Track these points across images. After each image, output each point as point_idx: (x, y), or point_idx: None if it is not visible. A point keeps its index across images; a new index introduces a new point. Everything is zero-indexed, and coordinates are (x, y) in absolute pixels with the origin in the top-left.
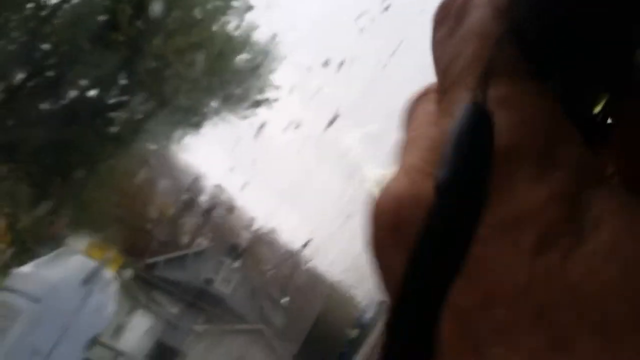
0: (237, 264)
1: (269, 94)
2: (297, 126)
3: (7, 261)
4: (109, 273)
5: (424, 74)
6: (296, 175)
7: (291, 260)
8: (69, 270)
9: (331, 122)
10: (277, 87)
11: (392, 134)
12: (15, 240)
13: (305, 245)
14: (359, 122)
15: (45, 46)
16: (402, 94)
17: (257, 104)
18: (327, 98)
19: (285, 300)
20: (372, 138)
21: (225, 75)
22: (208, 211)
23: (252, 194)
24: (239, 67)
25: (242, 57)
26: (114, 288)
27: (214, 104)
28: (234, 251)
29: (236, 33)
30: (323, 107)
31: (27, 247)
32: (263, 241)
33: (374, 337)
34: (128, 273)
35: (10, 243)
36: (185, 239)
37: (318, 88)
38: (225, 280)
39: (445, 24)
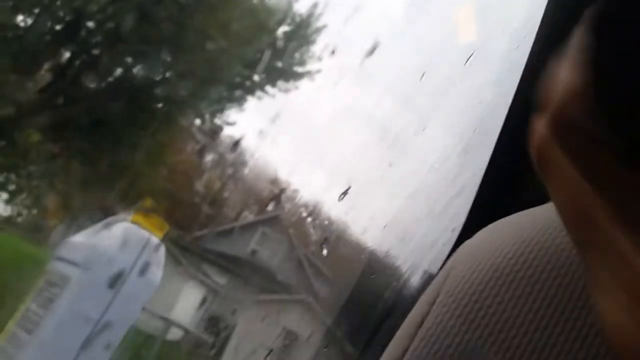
0: (282, 237)
1: (311, 65)
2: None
3: (59, 237)
4: (156, 240)
5: None
6: (343, 150)
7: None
8: (118, 238)
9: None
10: (319, 59)
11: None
12: (67, 216)
13: (344, 194)
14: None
15: (90, 24)
16: None
17: (300, 76)
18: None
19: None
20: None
21: (267, 48)
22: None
23: (298, 168)
24: (281, 40)
25: (283, 29)
26: (162, 254)
27: (256, 77)
28: (279, 224)
29: (277, 4)
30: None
31: (78, 223)
32: (306, 211)
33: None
34: (177, 245)
35: (62, 219)
36: (231, 212)
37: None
38: (271, 252)
39: None
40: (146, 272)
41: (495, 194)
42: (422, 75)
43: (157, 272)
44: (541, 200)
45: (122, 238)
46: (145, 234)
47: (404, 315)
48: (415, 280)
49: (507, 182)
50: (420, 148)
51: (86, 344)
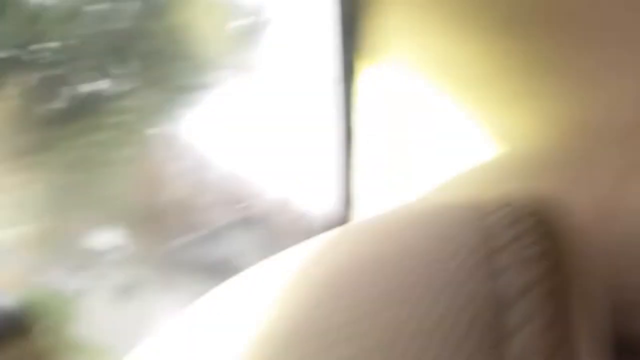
0: (256, 238)
1: (264, 58)
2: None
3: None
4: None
5: None
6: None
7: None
8: None
9: None
10: (274, 50)
11: None
12: (37, 245)
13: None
14: None
15: (53, 44)
16: None
17: (253, 70)
18: None
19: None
20: None
21: (219, 46)
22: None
23: (261, 161)
24: (232, 36)
25: (237, 25)
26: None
27: (212, 77)
28: (253, 225)
29: (228, 2)
30: None
31: (51, 251)
32: (279, 208)
33: None
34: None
35: (33, 250)
36: (204, 217)
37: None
38: (247, 254)
39: None
40: None
41: None
42: None
43: None
44: None
45: None
46: None
47: None
48: None
49: None
50: None
51: None
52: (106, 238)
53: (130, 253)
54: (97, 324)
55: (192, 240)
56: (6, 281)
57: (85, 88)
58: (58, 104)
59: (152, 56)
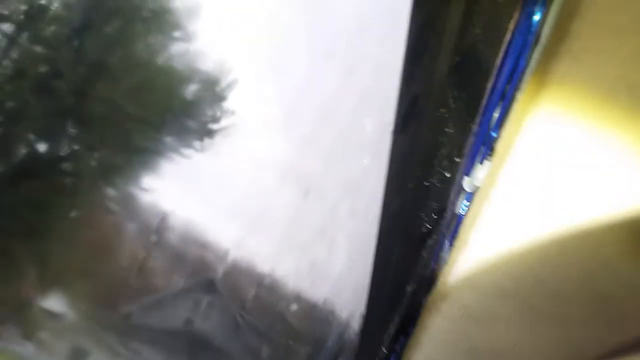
0: (215, 299)
1: (225, 121)
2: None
3: None
4: None
5: None
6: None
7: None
8: None
9: None
10: (232, 113)
11: None
12: None
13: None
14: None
15: None
16: None
17: (213, 133)
18: None
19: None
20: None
21: (176, 109)
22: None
23: (223, 226)
24: (189, 99)
25: (191, 89)
26: None
27: (169, 140)
28: (211, 286)
29: (182, 65)
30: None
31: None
32: (239, 271)
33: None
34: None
35: None
36: (160, 282)
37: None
38: (205, 318)
39: None
40: None
41: None
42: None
43: None
44: None
45: None
46: None
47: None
48: (355, 325)
49: None
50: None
51: None
52: (54, 304)
53: (81, 318)
54: None
55: (148, 304)
56: None
57: (30, 150)
58: (8, 164)
59: (104, 118)
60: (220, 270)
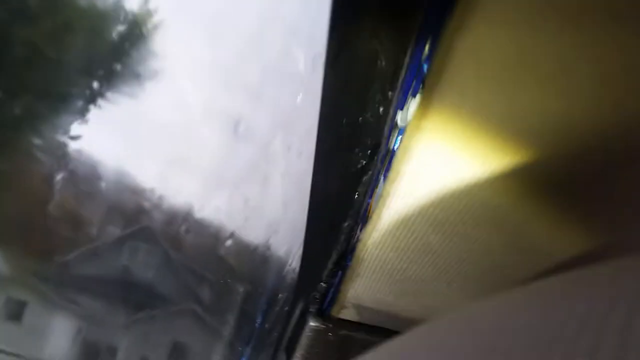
0: (151, 246)
1: (152, 64)
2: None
3: None
4: None
5: None
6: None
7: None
8: None
9: None
10: (160, 55)
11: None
12: None
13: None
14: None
15: None
16: None
17: (142, 77)
18: None
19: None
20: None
21: (101, 52)
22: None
23: (158, 173)
24: (115, 41)
25: (117, 30)
26: None
27: (95, 85)
28: (148, 233)
29: (106, 5)
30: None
31: None
32: (175, 218)
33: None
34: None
35: None
36: (95, 231)
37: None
38: (144, 265)
39: None
40: None
41: None
42: None
43: None
44: None
45: None
46: None
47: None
48: (293, 262)
49: None
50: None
51: None
52: None
53: (15, 270)
54: None
55: (84, 254)
56: None
57: None
58: None
59: (25, 63)
60: (155, 216)
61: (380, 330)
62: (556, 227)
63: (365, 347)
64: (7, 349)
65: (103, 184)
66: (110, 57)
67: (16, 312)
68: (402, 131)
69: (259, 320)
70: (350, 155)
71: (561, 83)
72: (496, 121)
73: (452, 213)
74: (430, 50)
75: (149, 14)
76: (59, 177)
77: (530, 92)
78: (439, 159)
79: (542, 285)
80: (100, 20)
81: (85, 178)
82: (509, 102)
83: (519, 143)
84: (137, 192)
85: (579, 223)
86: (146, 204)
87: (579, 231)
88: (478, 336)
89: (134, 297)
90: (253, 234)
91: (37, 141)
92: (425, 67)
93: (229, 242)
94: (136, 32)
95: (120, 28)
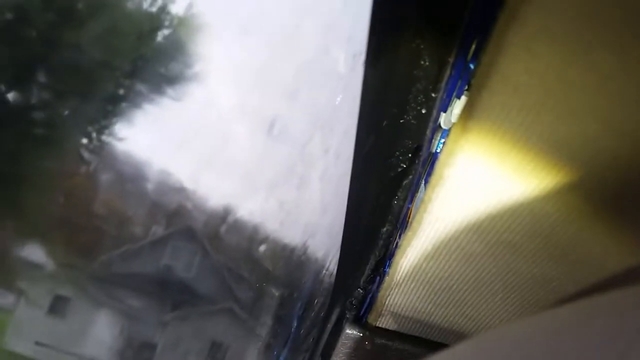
0: (195, 247)
1: (197, 67)
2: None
3: None
4: None
5: None
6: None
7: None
8: None
9: None
10: (204, 58)
11: None
12: None
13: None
14: None
15: None
16: None
17: (186, 79)
18: None
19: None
20: None
21: (147, 55)
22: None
23: (199, 174)
24: (160, 45)
25: (162, 34)
26: None
27: (140, 87)
28: (190, 234)
29: (152, 9)
30: None
31: None
32: (214, 218)
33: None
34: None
35: None
36: (138, 230)
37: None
38: (186, 265)
39: None
40: None
41: None
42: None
43: None
44: None
45: None
46: None
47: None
48: (330, 267)
49: None
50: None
51: None
52: (33, 254)
53: (60, 267)
54: (29, 338)
55: (127, 253)
56: None
57: (5, 97)
58: None
59: (73, 66)
60: (198, 217)
61: (418, 340)
62: (607, 240)
63: (403, 356)
64: (50, 343)
65: (147, 184)
66: (156, 60)
67: (60, 308)
68: (445, 134)
69: (294, 324)
70: (390, 158)
71: (621, 83)
72: (550, 122)
73: (498, 221)
74: (477, 47)
75: (193, 17)
76: (105, 177)
77: (587, 90)
78: (484, 164)
79: (589, 304)
80: (147, 23)
81: (129, 178)
82: (564, 101)
83: (574, 145)
84: (179, 192)
85: (631, 237)
86: (188, 204)
87: (631, 246)
88: None
89: (175, 295)
90: (289, 237)
91: (84, 141)
92: (471, 66)
93: (263, 245)
94: (181, 36)
95: (166, 32)
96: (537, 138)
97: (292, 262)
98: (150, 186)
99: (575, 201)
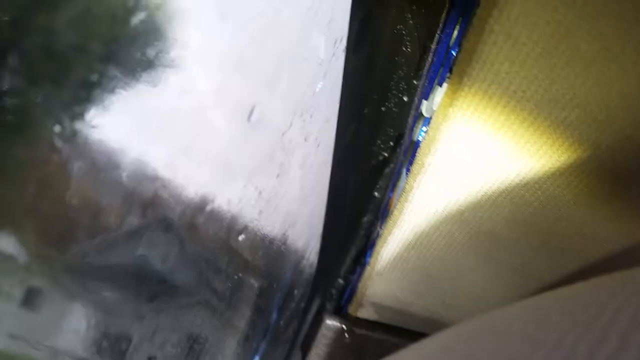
0: (171, 237)
1: (173, 52)
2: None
3: None
4: None
5: None
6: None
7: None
8: None
9: None
10: (180, 43)
11: None
12: None
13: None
14: None
15: None
16: None
17: (162, 65)
18: None
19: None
20: None
21: (122, 40)
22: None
23: (176, 162)
24: (135, 29)
25: (137, 17)
26: None
27: (115, 72)
28: (167, 224)
29: None
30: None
31: None
32: (196, 210)
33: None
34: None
35: None
36: (113, 220)
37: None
38: (162, 256)
39: None
40: None
41: None
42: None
43: None
44: None
45: None
46: None
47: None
48: (310, 257)
49: None
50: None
51: None
52: (4, 244)
53: (33, 258)
54: (2, 331)
55: (101, 244)
56: None
57: None
58: None
59: (46, 50)
60: (174, 207)
61: (399, 330)
62: (587, 228)
63: (384, 347)
64: (23, 336)
65: (122, 173)
66: (131, 44)
67: (33, 300)
68: (427, 122)
69: (274, 316)
70: (371, 146)
71: (603, 69)
72: (531, 110)
73: (480, 210)
74: (459, 34)
75: (170, 1)
76: (78, 165)
77: (569, 77)
78: (467, 152)
79: (568, 292)
80: (121, 6)
81: (104, 167)
82: (545, 89)
83: (554, 134)
84: (155, 181)
85: (618, 221)
86: (164, 193)
87: (612, 234)
88: (505, 350)
89: (151, 286)
90: (268, 227)
91: (56, 129)
92: (453, 52)
93: (242, 235)
94: (157, 20)
95: (142, 15)
96: (518, 126)
97: (271, 252)
98: (125, 175)
99: (553, 190)
